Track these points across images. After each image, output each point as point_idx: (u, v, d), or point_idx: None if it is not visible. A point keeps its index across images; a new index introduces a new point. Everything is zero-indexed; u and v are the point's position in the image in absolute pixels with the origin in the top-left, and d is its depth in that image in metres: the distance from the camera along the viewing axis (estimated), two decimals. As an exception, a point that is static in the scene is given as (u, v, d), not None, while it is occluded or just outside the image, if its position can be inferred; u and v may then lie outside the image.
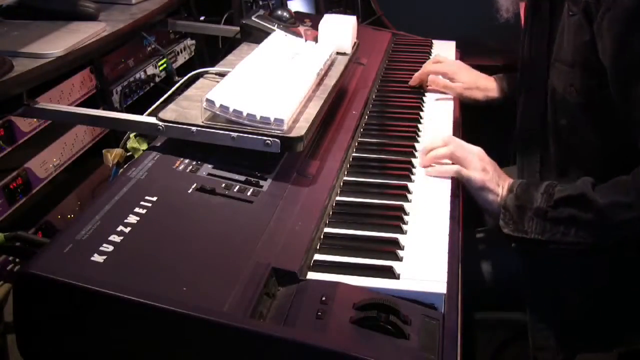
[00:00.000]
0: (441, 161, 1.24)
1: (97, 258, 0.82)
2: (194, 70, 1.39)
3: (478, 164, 1.19)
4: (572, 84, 1.19)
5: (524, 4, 1.37)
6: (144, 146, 1.16)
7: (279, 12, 1.62)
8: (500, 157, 1.64)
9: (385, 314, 0.82)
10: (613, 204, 1.07)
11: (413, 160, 1.28)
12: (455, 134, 1.42)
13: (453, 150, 1.21)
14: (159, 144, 1.13)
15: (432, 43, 1.96)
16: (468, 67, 1.62)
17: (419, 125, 1.44)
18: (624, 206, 1.06)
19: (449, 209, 1.12)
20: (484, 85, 1.59)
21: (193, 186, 1.01)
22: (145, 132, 1.16)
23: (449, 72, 1.60)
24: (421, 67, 1.74)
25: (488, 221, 1.48)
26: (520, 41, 1.39)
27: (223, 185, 1.03)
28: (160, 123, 1.11)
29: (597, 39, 1.11)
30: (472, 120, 1.64)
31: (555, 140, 1.26)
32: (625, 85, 1.09)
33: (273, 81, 1.21)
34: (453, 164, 1.22)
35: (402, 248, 1.00)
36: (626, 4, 1.04)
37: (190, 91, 1.25)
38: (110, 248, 0.84)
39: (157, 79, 1.69)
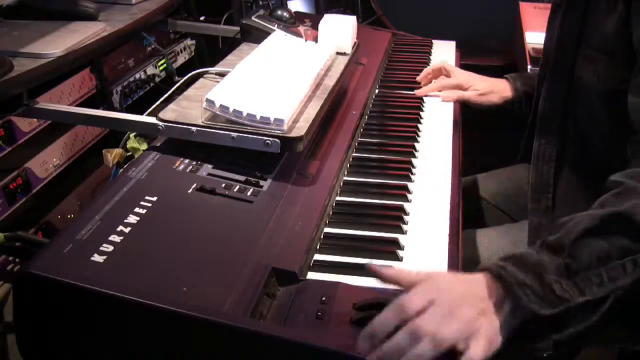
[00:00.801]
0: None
1: (97, 258, 0.82)
2: (194, 70, 1.39)
3: (453, 320, 0.78)
4: (597, 70, 1.16)
5: None
6: (144, 146, 1.16)
7: (279, 12, 1.62)
8: (503, 157, 1.65)
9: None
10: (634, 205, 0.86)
11: (413, 160, 1.28)
12: (455, 133, 1.42)
13: (442, 314, 0.78)
14: (159, 144, 1.13)
15: (432, 43, 1.96)
16: (481, 76, 1.61)
17: (419, 125, 1.44)
18: None
19: (449, 209, 1.12)
20: (499, 88, 1.57)
21: (193, 186, 1.01)
22: (145, 132, 1.16)
23: (463, 83, 1.59)
24: (421, 67, 1.75)
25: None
26: (548, 28, 1.36)
27: (223, 185, 1.03)
28: (160, 123, 1.11)
29: (633, 20, 1.08)
30: (474, 120, 1.64)
31: (573, 129, 1.25)
32: None
33: (273, 81, 1.21)
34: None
35: (402, 248, 1.00)
36: None
37: (190, 91, 1.25)
38: (110, 248, 0.84)
39: (157, 79, 1.68)
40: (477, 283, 0.83)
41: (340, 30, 1.50)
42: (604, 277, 0.83)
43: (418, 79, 1.64)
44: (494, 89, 1.57)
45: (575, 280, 0.83)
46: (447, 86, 1.60)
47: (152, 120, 1.12)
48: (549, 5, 1.34)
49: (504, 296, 0.82)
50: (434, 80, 1.64)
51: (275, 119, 1.07)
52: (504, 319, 0.81)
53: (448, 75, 1.63)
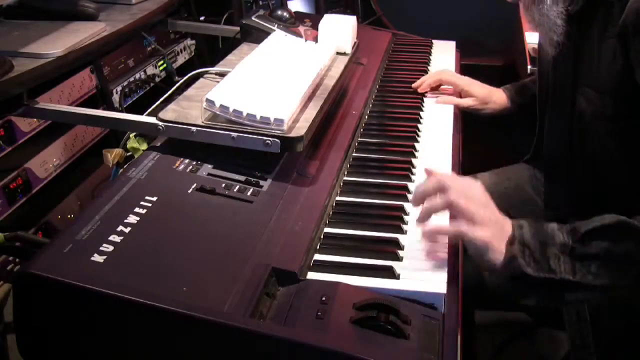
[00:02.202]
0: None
1: (97, 258, 0.82)
2: (194, 70, 1.39)
3: (481, 215, 0.96)
4: (603, 111, 1.14)
5: None
6: (144, 146, 1.16)
7: (279, 12, 1.62)
8: (503, 157, 1.65)
9: (385, 314, 0.81)
10: None
11: (413, 160, 1.28)
12: (455, 133, 1.42)
13: (452, 201, 0.98)
14: (159, 144, 1.13)
15: (432, 43, 1.96)
16: (480, 83, 1.60)
17: (419, 125, 1.44)
18: None
19: (449, 209, 1.12)
20: (497, 98, 1.57)
21: (193, 186, 1.01)
22: (145, 132, 1.16)
23: (463, 86, 1.57)
24: (421, 67, 1.75)
25: (488, 279, 1.33)
26: (540, 62, 1.36)
27: (223, 185, 1.03)
28: (160, 123, 1.11)
29: (634, 65, 1.06)
30: (474, 120, 1.64)
31: (582, 166, 1.23)
32: None
33: (273, 81, 1.21)
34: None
35: (402, 248, 1.00)
36: None
37: (190, 91, 1.25)
38: (110, 248, 0.84)
39: (157, 79, 1.69)
40: (502, 218, 0.98)
41: (340, 30, 1.50)
42: (602, 271, 0.93)
43: (414, 85, 1.61)
44: (491, 98, 1.56)
45: (575, 263, 0.94)
46: (446, 80, 1.59)
47: (152, 120, 1.12)
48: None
49: (508, 241, 0.96)
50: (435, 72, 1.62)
51: (275, 119, 1.07)
52: (497, 256, 0.95)
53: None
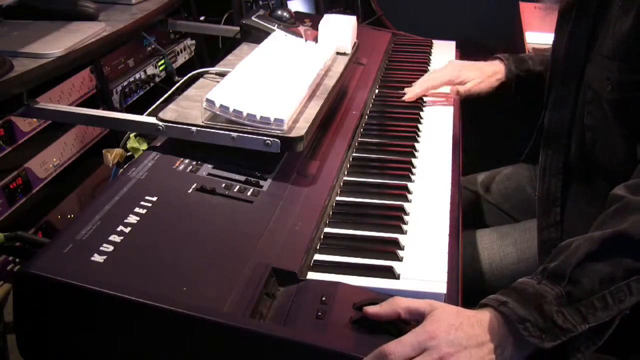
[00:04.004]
0: None
1: (97, 258, 0.82)
2: (194, 70, 1.39)
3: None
4: (609, 77, 1.12)
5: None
6: (144, 146, 1.16)
7: (279, 12, 1.62)
8: (503, 157, 1.65)
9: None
10: (633, 223, 0.86)
11: (413, 160, 1.28)
12: (455, 134, 1.42)
13: None
14: (159, 144, 1.13)
15: (432, 43, 1.96)
16: (466, 63, 1.57)
17: (419, 125, 1.44)
18: None
19: (449, 209, 1.12)
20: (491, 70, 1.54)
21: (193, 186, 1.01)
22: (145, 132, 1.16)
23: (452, 78, 1.53)
24: (421, 67, 1.75)
25: None
26: (555, 38, 1.33)
27: (223, 185, 1.03)
28: (160, 123, 1.11)
29: None
30: (474, 120, 1.64)
31: (580, 140, 1.22)
32: None
33: (273, 81, 1.21)
34: None
35: (402, 248, 1.00)
36: None
37: (190, 91, 1.25)
38: (110, 248, 0.84)
39: (157, 79, 1.69)
40: (480, 322, 0.83)
41: (340, 30, 1.50)
42: (608, 300, 0.83)
43: (405, 99, 1.55)
44: (487, 73, 1.53)
45: (578, 308, 0.82)
46: (436, 86, 1.55)
47: (152, 120, 1.12)
48: (549, 6, 1.32)
49: (507, 333, 0.82)
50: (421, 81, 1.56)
51: (275, 119, 1.07)
52: (511, 356, 0.82)
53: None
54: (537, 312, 0.82)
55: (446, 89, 1.57)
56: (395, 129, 1.41)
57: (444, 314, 0.82)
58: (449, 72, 1.56)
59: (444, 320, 0.81)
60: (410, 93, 1.55)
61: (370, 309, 0.83)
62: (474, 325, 0.82)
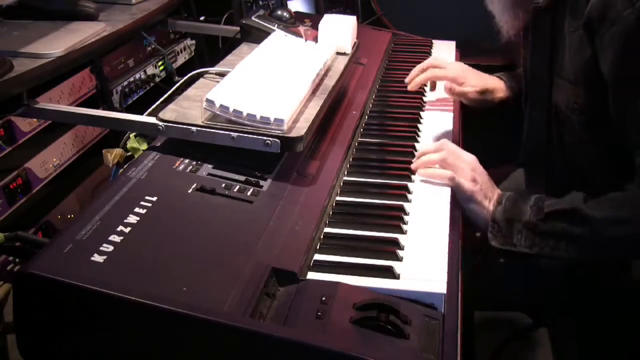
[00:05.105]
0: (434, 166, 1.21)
1: (97, 258, 0.82)
2: (194, 70, 1.39)
3: (469, 174, 1.16)
4: (576, 101, 1.17)
5: (522, 20, 1.31)
6: (144, 146, 1.16)
7: (279, 12, 1.62)
8: (503, 157, 1.65)
9: (385, 314, 0.82)
10: (608, 219, 1.06)
11: (413, 160, 1.28)
12: (455, 133, 1.42)
13: (445, 157, 1.18)
14: (159, 144, 1.13)
15: (432, 43, 1.96)
16: (473, 69, 1.56)
17: (419, 125, 1.44)
18: (619, 222, 1.05)
19: (449, 209, 1.12)
20: (493, 86, 1.53)
21: (193, 186, 1.01)
22: (145, 132, 1.16)
23: (458, 77, 1.51)
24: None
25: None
26: (522, 56, 1.36)
27: (223, 185, 1.03)
28: (160, 123, 1.11)
29: (599, 55, 1.10)
30: (474, 120, 1.64)
31: (561, 157, 1.25)
32: (625, 102, 1.08)
33: (273, 81, 1.21)
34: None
35: (402, 248, 1.00)
36: (630, 21, 1.03)
37: (190, 91, 1.25)
38: (110, 248, 0.84)
39: (157, 79, 1.69)
40: (491, 186, 1.17)
41: (340, 30, 1.50)
42: (560, 245, 1.09)
43: (407, 80, 1.56)
44: (488, 87, 1.52)
45: (535, 237, 1.10)
46: (440, 77, 1.54)
47: (152, 120, 1.12)
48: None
49: (485, 211, 1.15)
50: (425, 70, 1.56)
51: (275, 119, 1.07)
52: (474, 210, 1.16)
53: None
54: (507, 224, 1.12)
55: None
56: (395, 129, 1.41)
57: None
58: (457, 71, 1.53)
59: (469, 155, 1.20)
60: (414, 81, 1.54)
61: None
62: (483, 173, 1.18)
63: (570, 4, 1.17)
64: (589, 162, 1.20)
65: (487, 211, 1.15)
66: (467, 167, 1.17)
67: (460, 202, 1.16)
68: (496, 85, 1.54)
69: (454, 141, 1.38)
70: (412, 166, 1.22)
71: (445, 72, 1.53)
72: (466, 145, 1.42)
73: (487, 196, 1.16)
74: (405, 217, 1.08)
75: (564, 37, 1.19)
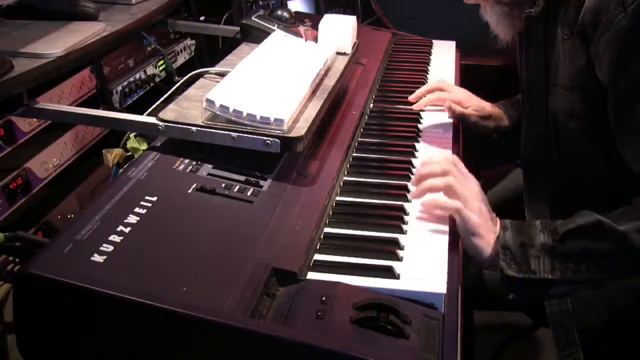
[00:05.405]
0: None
1: (97, 258, 0.82)
2: (194, 70, 1.39)
3: (475, 205, 1.06)
4: (573, 108, 1.16)
5: (518, 27, 1.30)
6: (144, 146, 1.16)
7: (279, 12, 1.62)
8: (503, 156, 1.65)
9: (385, 313, 0.81)
10: (633, 228, 0.99)
11: (413, 160, 1.28)
12: (455, 133, 1.42)
13: (451, 184, 1.07)
14: (159, 144, 1.13)
15: (432, 43, 1.96)
16: (477, 97, 1.54)
17: (419, 126, 1.44)
18: None
19: (449, 209, 1.12)
20: (494, 114, 1.51)
21: (193, 186, 1.01)
22: (145, 132, 1.16)
23: (462, 101, 1.51)
24: (421, 67, 1.75)
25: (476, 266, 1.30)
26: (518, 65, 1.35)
27: (223, 185, 1.03)
28: (160, 123, 1.11)
29: (594, 61, 1.09)
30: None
31: (561, 164, 1.24)
32: (623, 107, 1.07)
33: (273, 81, 1.21)
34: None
35: (402, 248, 1.00)
36: (623, 25, 1.03)
37: (190, 91, 1.25)
38: (110, 248, 0.84)
39: (157, 79, 1.69)
40: (488, 210, 1.07)
41: (340, 30, 1.50)
42: (583, 267, 1.00)
43: (411, 98, 1.53)
44: (491, 114, 1.51)
45: (554, 261, 1.01)
46: (444, 99, 1.52)
47: (152, 120, 1.12)
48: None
49: (492, 239, 1.05)
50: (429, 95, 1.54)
51: (275, 119, 1.07)
52: (480, 245, 1.05)
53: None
54: (521, 250, 1.02)
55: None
56: (395, 129, 1.41)
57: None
58: (462, 95, 1.52)
59: (473, 180, 1.10)
60: (419, 102, 1.51)
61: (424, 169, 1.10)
62: (486, 204, 1.08)
63: (562, 12, 1.16)
64: (589, 168, 1.19)
65: (491, 245, 1.05)
66: (474, 196, 1.07)
67: (462, 236, 1.06)
68: (497, 113, 1.52)
69: (454, 141, 1.38)
70: (413, 194, 1.12)
71: (451, 95, 1.52)
72: (466, 145, 1.43)
73: (491, 229, 1.06)
74: (405, 217, 1.08)
75: (557, 44, 1.19)
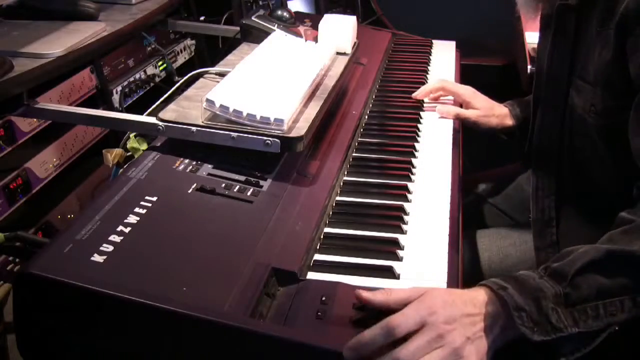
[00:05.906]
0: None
1: (97, 258, 0.82)
2: (194, 70, 1.39)
3: (455, 337, 0.80)
4: (593, 104, 1.12)
5: (543, 9, 1.27)
6: (144, 146, 1.16)
7: (279, 12, 1.62)
8: (504, 156, 1.65)
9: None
10: None
11: (413, 160, 1.28)
12: (455, 133, 1.42)
13: (430, 340, 0.79)
14: (159, 144, 1.13)
15: (432, 43, 1.96)
16: (483, 95, 1.53)
17: (419, 125, 1.44)
18: None
19: (449, 209, 1.12)
20: (499, 112, 1.50)
21: (193, 186, 1.01)
22: (145, 132, 1.16)
23: (465, 96, 1.50)
24: (421, 67, 1.75)
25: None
26: (537, 54, 1.32)
27: (223, 185, 1.03)
28: (160, 123, 1.11)
29: (630, 57, 1.03)
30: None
31: (573, 162, 1.21)
32: None
33: (273, 81, 1.21)
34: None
35: (402, 248, 1.00)
36: None
37: (190, 91, 1.25)
38: (110, 248, 0.84)
39: (157, 79, 1.69)
40: (473, 300, 0.84)
41: (340, 30, 1.50)
42: (600, 311, 0.85)
43: (415, 95, 1.54)
44: (494, 112, 1.50)
45: (572, 311, 0.84)
46: (450, 90, 1.54)
47: (152, 120, 1.12)
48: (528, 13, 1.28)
49: (499, 315, 0.84)
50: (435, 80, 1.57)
51: (275, 119, 1.07)
52: (493, 339, 0.84)
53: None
54: (534, 305, 0.83)
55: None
56: (395, 129, 1.41)
57: (436, 291, 0.84)
58: (468, 92, 1.52)
59: (438, 297, 0.82)
60: (422, 90, 1.53)
61: (364, 294, 0.83)
62: (467, 303, 0.83)
63: (600, 3, 1.11)
64: (601, 168, 1.16)
65: (497, 311, 0.85)
66: (459, 329, 0.81)
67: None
68: (502, 111, 1.51)
69: (454, 140, 1.38)
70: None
71: (456, 88, 1.53)
72: (466, 145, 1.43)
73: (481, 324, 0.84)
74: (405, 217, 1.08)
75: (588, 36, 1.15)
